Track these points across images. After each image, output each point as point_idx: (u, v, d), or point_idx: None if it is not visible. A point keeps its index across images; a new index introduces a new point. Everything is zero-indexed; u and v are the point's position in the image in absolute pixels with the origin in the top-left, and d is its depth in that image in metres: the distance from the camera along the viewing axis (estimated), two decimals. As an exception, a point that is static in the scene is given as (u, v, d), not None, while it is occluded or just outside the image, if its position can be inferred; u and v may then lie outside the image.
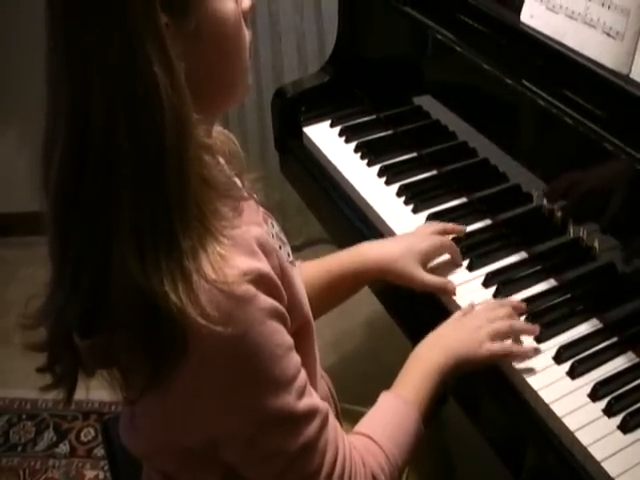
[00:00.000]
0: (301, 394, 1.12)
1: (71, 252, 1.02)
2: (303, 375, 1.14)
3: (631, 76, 1.42)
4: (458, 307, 1.54)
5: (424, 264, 1.58)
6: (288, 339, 1.12)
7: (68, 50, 0.97)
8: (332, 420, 1.19)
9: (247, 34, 1.12)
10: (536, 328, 1.45)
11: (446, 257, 1.63)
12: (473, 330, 1.41)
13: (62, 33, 0.97)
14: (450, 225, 1.68)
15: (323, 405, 1.17)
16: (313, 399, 1.15)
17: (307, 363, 1.22)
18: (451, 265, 1.63)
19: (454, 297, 1.56)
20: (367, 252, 1.59)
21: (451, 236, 1.66)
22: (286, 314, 1.12)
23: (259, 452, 1.12)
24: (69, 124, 0.99)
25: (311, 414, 1.13)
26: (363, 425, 1.29)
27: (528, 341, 1.44)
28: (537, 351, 1.42)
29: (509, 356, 1.41)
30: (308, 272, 1.54)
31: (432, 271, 1.59)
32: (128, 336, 1.01)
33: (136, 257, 0.98)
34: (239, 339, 1.03)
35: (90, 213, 0.99)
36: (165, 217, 0.99)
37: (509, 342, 1.42)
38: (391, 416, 1.30)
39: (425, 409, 1.32)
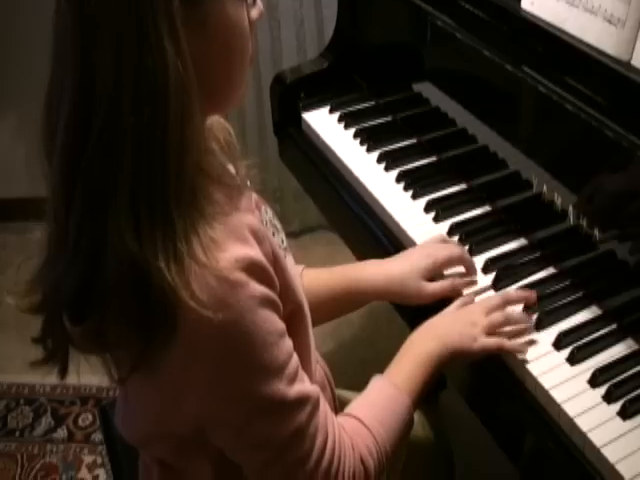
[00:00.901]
0: (292, 380, 1.12)
1: (75, 215, 1.02)
2: (295, 361, 1.14)
3: (632, 63, 1.42)
4: (457, 295, 1.54)
5: (429, 279, 1.54)
6: (280, 325, 1.12)
7: (80, 14, 0.97)
8: (323, 404, 1.19)
9: (251, 44, 1.12)
10: (532, 293, 1.46)
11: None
12: (468, 324, 1.41)
13: (75, 2, 0.97)
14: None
15: (314, 390, 1.17)
16: (304, 385, 1.15)
17: (301, 347, 1.22)
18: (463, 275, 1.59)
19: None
20: (369, 274, 1.55)
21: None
22: (278, 301, 1.12)
23: (249, 438, 1.12)
24: (75, 92, 0.99)
25: (302, 400, 1.13)
26: (354, 408, 1.29)
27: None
28: (532, 342, 1.42)
29: (502, 351, 1.41)
30: (311, 279, 1.53)
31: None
32: (119, 311, 1.01)
33: (132, 231, 0.98)
34: (230, 327, 1.03)
35: (91, 182, 1.00)
36: (162, 196, 0.99)
37: (505, 335, 1.42)
38: (382, 401, 1.30)
39: (416, 397, 1.33)
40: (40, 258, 1.09)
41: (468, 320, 1.42)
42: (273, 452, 1.13)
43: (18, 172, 3.14)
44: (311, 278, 1.54)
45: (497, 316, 1.42)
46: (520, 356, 1.40)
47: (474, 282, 1.56)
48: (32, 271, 1.11)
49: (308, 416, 1.14)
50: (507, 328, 1.43)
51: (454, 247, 1.59)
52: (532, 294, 1.47)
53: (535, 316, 1.45)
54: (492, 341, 1.40)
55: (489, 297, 1.50)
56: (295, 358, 1.15)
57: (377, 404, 1.30)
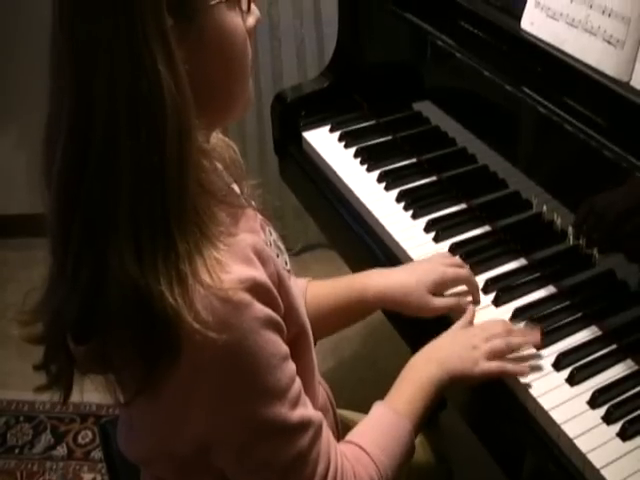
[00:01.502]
0: (295, 404, 1.11)
1: (73, 245, 1.02)
2: (297, 385, 1.14)
3: (631, 84, 1.42)
4: (458, 315, 1.54)
5: (434, 293, 1.53)
6: (284, 348, 1.11)
7: (74, 41, 0.97)
8: (325, 431, 1.18)
9: (250, 51, 1.12)
10: (536, 335, 1.43)
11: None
12: (469, 347, 1.40)
13: (69, 23, 0.97)
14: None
15: (317, 416, 1.17)
16: (307, 410, 1.15)
17: (305, 370, 1.22)
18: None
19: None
20: (375, 284, 1.54)
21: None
22: (282, 323, 1.11)
23: (250, 462, 1.12)
24: (71, 118, 0.99)
25: (304, 425, 1.13)
26: (355, 434, 1.29)
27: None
28: (535, 368, 1.41)
29: (503, 375, 1.40)
30: (316, 292, 1.54)
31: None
32: (123, 336, 1.01)
33: (133, 256, 0.98)
34: (233, 348, 1.03)
35: (90, 208, 1.00)
36: (163, 218, 0.99)
37: (504, 362, 1.41)
38: (383, 427, 1.30)
39: (417, 421, 1.32)
40: (43, 286, 1.09)
41: (469, 344, 1.41)
42: (274, 477, 1.12)
43: (19, 188, 3.14)
44: (317, 289, 1.54)
45: (498, 342, 1.41)
46: (521, 377, 1.39)
47: (478, 303, 1.56)
48: (35, 299, 1.10)
49: (310, 441, 1.13)
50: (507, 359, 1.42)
51: (462, 269, 1.58)
52: (537, 335, 1.43)
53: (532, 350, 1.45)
54: (493, 365, 1.39)
55: (492, 322, 1.48)
56: (298, 382, 1.14)
57: (378, 431, 1.29)
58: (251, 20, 1.12)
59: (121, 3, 0.95)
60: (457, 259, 1.63)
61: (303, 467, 1.13)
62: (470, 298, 1.56)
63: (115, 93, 0.96)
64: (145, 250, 0.98)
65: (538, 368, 1.41)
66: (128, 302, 0.99)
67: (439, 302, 1.53)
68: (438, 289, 1.54)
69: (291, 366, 1.13)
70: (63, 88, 1.00)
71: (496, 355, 1.40)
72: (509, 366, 1.40)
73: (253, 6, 1.13)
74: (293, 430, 1.11)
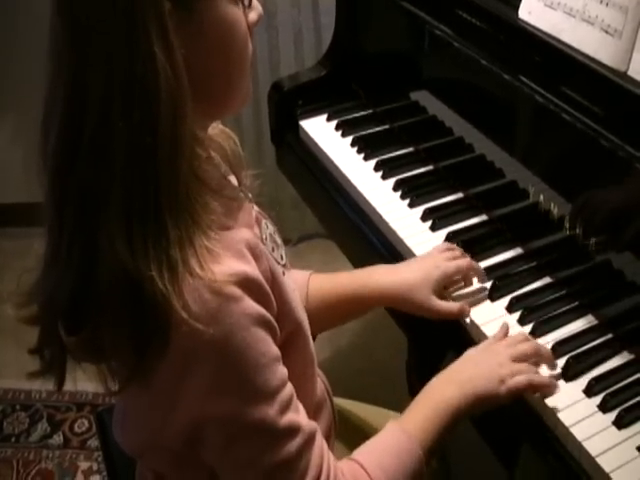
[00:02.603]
0: (284, 408, 1.09)
1: (67, 227, 1.02)
2: (289, 389, 1.12)
3: (629, 73, 1.42)
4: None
5: (438, 291, 1.52)
6: (274, 350, 1.10)
7: (71, 22, 0.97)
8: (319, 441, 1.15)
9: (250, 46, 1.12)
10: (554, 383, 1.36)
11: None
12: (494, 366, 1.33)
13: (66, 5, 0.98)
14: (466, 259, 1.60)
15: (309, 425, 1.14)
16: (298, 416, 1.13)
17: (303, 367, 1.21)
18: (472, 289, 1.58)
19: (453, 294, 1.56)
20: (380, 280, 1.53)
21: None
22: (274, 323, 1.10)
23: (234, 459, 1.10)
24: (67, 99, 0.99)
25: (292, 431, 1.10)
26: (360, 452, 1.23)
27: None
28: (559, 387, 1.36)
29: (532, 389, 1.34)
30: (319, 285, 1.52)
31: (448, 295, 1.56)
32: (114, 321, 1.01)
33: (124, 239, 0.98)
34: (221, 342, 1.02)
35: (83, 190, 1.00)
36: (155, 204, 0.98)
37: (531, 375, 1.34)
38: (389, 447, 1.23)
39: (430, 447, 1.24)
40: (38, 268, 1.09)
41: (494, 362, 1.34)
42: (258, 478, 1.10)
43: (16, 177, 3.14)
44: (319, 283, 1.53)
45: (523, 366, 1.34)
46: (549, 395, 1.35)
47: (484, 291, 1.56)
48: (30, 281, 1.10)
49: (298, 449, 1.10)
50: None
51: (462, 260, 1.57)
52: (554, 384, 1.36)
53: (531, 326, 1.46)
54: (521, 380, 1.31)
55: (520, 339, 1.41)
56: (289, 387, 1.12)
57: (383, 450, 1.23)
58: (253, 15, 1.12)
59: None
60: (456, 250, 1.61)
61: (289, 474, 1.10)
62: (475, 298, 1.54)
63: (111, 74, 0.96)
64: (136, 234, 0.98)
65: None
66: (118, 285, 0.99)
67: (442, 306, 1.51)
68: (442, 285, 1.53)
69: (282, 370, 1.11)
70: (59, 70, 1.00)
71: (523, 373, 1.33)
72: (537, 378, 1.34)
73: (255, 2, 1.13)
74: (280, 435, 1.09)
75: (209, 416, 1.07)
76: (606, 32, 1.46)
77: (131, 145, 0.97)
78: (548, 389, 1.34)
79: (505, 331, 1.43)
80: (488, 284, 1.56)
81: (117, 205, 0.98)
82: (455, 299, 1.55)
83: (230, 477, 1.14)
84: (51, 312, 1.08)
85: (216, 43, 1.06)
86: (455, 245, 1.63)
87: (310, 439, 1.13)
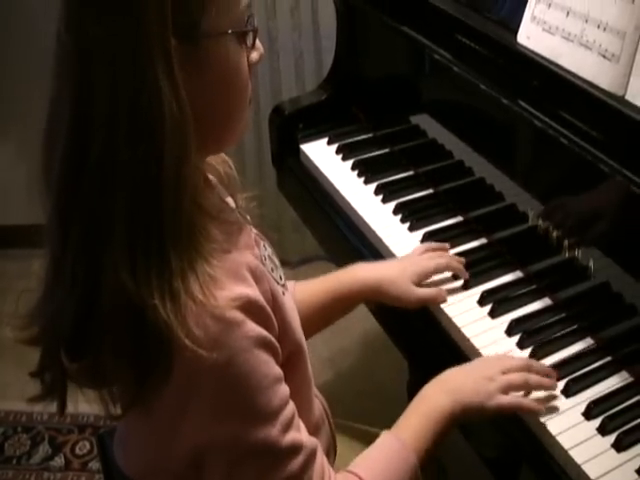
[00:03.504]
0: (286, 428, 1.10)
1: (70, 253, 1.02)
2: (290, 408, 1.13)
3: (626, 98, 1.43)
4: (454, 325, 1.55)
5: (418, 283, 1.59)
6: (276, 370, 1.10)
7: (78, 46, 0.98)
8: (320, 457, 1.16)
9: (250, 85, 1.13)
10: (554, 382, 1.39)
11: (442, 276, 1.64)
12: (485, 380, 1.34)
13: (75, 23, 0.98)
14: (447, 255, 1.69)
15: (310, 442, 1.15)
16: (300, 434, 1.14)
17: (301, 387, 1.22)
18: (449, 280, 1.64)
19: (451, 316, 1.57)
20: (361, 273, 1.59)
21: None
22: (276, 344, 1.11)
23: None
24: (71, 127, 1.00)
25: (295, 449, 1.11)
26: (357, 464, 1.25)
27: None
28: (551, 410, 1.37)
29: (519, 410, 1.36)
30: (303, 291, 1.55)
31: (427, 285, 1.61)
32: (115, 347, 1.01)
33: (127, 269, 0.98)
34: (223, 366, 1.02)
35: (87, 218, 1.00)
36: (158, 234, 0.99)
37: (521, 396, 1.36)
38: (385, 457, 1.26)
39: (424, 453, 1.27)
40: (39, 291, 1.09)
41: (485, 375, 1.35)
42: None
43: (17, 199, 3.14)
44: (304, 290, 1.56)
45: (516, 377, 1.36)
46: (539, 415, 1.36)
47: (459, 286, 1.63)
48: (31, 303, 1.11)
49: (301, 467, 1.11)
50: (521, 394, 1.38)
51: (441, 258, 1.64)
52: (554, 380, 1.39)
53: (530, 349, 1.46)
54: (508, 399, 1.34)
55: (510, 356, 1.45)
56: (291, 405, 1.13)
57: (380, 460, 1.25)
58: (255, 55, 1.13)
59: (128, 10, 0.96)
60: (437, 250, 1.68)
61: None
62: (453, 285, 1.62)
63: (116, 105, 0.97)
64: (139, 264, 0.98)
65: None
66: (121, 313, 0.99)
67: (421, 292, 1.58)
68: (421, 279, 1.60)
69: (284, 389, 1.12)
70: (64, 98, 1.01)
71: (512, 389, 1.35)
72: (525, 402, 1.36)
73: (258, 42, 1.13)
74: (283, 454, 1.10)
75: (212, 440, 1.07)
76: (604, 57, 1.47)
77: (135, 177, 0.98)
78: (536, 411, 1.36)
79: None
80: (488, 307, 1.57)
81: (121, 234, 0.98)
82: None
83: None
84: (53, 335, 1.08)
85: (218, 80, 1.07)
86: (434, 244, 1.71)
87: (312, 455, 1.14)
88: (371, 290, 1.58)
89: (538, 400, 1.36)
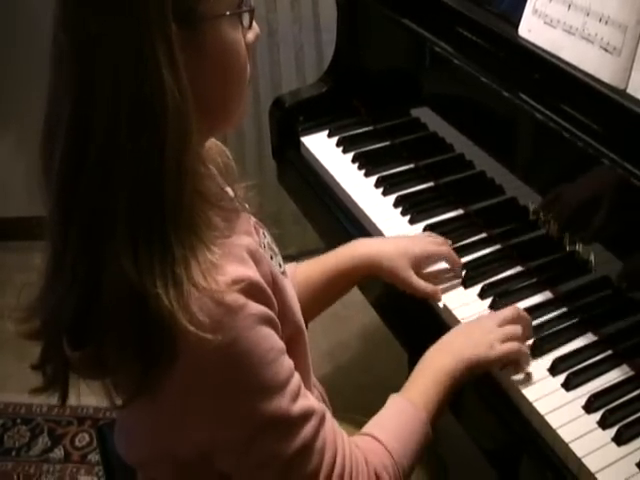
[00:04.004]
0: (295, 397, 1.12)
1: (71, 244, 1.03)
2: (297, 378, 1.15)
3: (628, 91, 1.43)
4: (454, 317, 1.55)
5: (416, 268, 1.60)
6: (279, 343, 1.12)
7: (77, 42, 0.98)
8: (329, 420, 1.19)
9: (248, 66, 1.13)
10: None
11: (443, 265, 1.65)
12: (483, 333, 1.41)
13: (73, 25, 0.99)
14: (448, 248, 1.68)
15: (319, 406, 1.17)
16: (308, 400, 1.16)
17: (299, 371, 1.22)
18: (448, 273, 1.65)
19: (451, 308, 1.57)
20: (362, 247, 1.62)
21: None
22: (277, 320, 1.12)
23: (255, 458, 1.12)
24: (72, 119, 1.00)
25: (307, 415, 1.13)
26: (369, 426, 1.29)
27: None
28: (531, 373, 1.42)
29: (520, 355, 1.41)
30: (304, 272, 1.57)
31: (426, 277, 1.61)
32: (119, 338, 1.02)
33: (130, 257, 0.99)
34: (228, 346, 1.03)
35: (89, 209, 1.01)
36: (160, 221, 1.00)
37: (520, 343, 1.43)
38: (398, 418, 1.30)
39: (434, 413, 1.33)
40: (39, 284, 1.09)
41: (483, 330, 1.42)
42: (281, 469, 1.13)
43: (17, 191, 3.15)
44: (305, 270, 1.58)
45: (510, 327, 1.43)
46: (516, 380, 1.40)
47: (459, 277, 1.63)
48: (32, 296, 1.11)
49: (314, 431, 1.14)
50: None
51: (443, 246, 1.65)
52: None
53: (531, 342, 1.46)
54: (509, 345, 1.40)
55: (501, 311, 1.50)
56: (297, 376, 1.15)
57: (392, 421, 1.30)
58: (251, 36, 1.13)
59: (127, 6, 0.96)
60: (439, 238, 1.68)
61: (309, 457, 1.13)
62: (446, 284, 1.62)
63: (118, 95, 0.97)
64: (142, 252, 0.99)
65: (534, 373, 1.41)
66: (124, 302, 1.00)
67: (418, 283, 1.58)
68: (420, 262, 1.61)
69: (289, 361, 1.14)
70: (64, 89, 1.01)
71: (510, 340, 1.41)
72: (524, 347, 1.42)
73: (254, 23, 1.14)
74: (296, 422, 1.12)
75: (224, 419, 1.08)
76: (605, 50, 1.47)
77: (137, 165, 0.98)
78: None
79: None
80: (488, 300, 1.57)
81: (123, 224, 0.99)
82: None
83: (252, 476, 1.16)
84: (54, 328, 1.08)
85: (217, 62, 1.07)
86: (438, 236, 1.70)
87: (322, 419, 1.16)
88: (369, 265, 1.59)
89: None
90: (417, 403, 1.32)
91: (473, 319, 1.51)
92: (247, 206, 1.25)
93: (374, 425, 1.30)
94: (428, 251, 1.62)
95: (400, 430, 1.28)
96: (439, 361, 1.38)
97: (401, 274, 1.57)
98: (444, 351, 1.41)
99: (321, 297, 1.58)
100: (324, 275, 1.58)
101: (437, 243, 1.66)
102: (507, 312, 1.47)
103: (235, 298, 1.03)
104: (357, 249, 1.61)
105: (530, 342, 1.45)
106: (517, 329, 1.43)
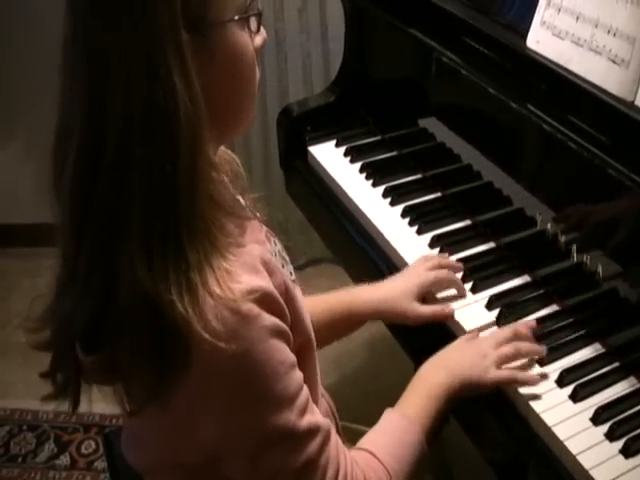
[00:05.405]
0: (303, 411, 1.13)
1: (85, 252, 1.03)
2: (305, 392, 1.15)
3: (636, 103, 1.43)
4: (461, 328, 1.55)
5: (421, 299, 1.60)
6: (291, 357, 1.12)
7: (89, 51, 0.99)
8: (334, 437, 1.19)
9: (257, 70, 1.14)
10: (542, 349, 1.45)
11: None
12: (479, 355, 1.42)
13: (84, 34, 0.99)
14: (445, 260, 1.70)
15: (325, 422, 1.18)
16: (315, 416, 1.16)
17: (309, 380, 1.23)
18: (453, 292, 1.64)
19: (458, 319, 1.57)
20: (364, 295, 1.61)
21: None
22: (289, 332, 1.13)
23: (261, 469, 1.12)
24: (84, 128, 1.00)
25: (313, 432, 1.14)
26: (366, 441, 1.30)
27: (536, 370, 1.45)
28: (543, 377, 1.42)
29: (514, 383, 1.41)
30: (311, 307, 1.54)
31: (431, 299, 1.61)
32: (133, 344, 1.02)
33: (145, 264, 0.99)
34: (241, 357, 1.04)
35: (102, 217, 1.01)
36: (174, 228, 1.00)
37: (515, 368, 1.43)
38: (394, 433, 1.31)
39: (428, 428, 1.33)
40: (50, 293, 1.10)
41: (478, 352, 1.43)
42: None
43: (23, 198, 3.16)
44: (309, 305, 1.55)
45: (507, 349, 1.43)
46: (523, 392, 1.40)
47: (463, 296, 1.62)
48: (42, 306, 1.11)
49: (319, 447, 1.14)
50: (516, 363, 1.44)
51: (441, 270, 1.64)
52: (542, 350, 1.46)
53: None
54: (504, 373, 1.41)
55: (499, 330, 1.51)
56: (305, 389, 1.15)
57: (389, 437, 1.31)
58: (258, 40, 1.14)
59: (138, 14, 0.97)
60: (438, 259, 1.68)
61: (313, 473, 1.14)
62: (451, 306, 1.60)
63: (131, 103, 0.98)
64: (156, 259, 0.99)
65: (541, 384, 1.41)
66: (139, 309, 1.00)
67: (424, 309, 1.59)
68: (422, 292, 1.60)
69: (299, 374, 1.14)
70: (75, 99, 1.01)
71: (505, 362, 1.42)
72: (520, 374, 1.42)
73: (261, 27, 1.14)
74: (302, 437, 1.12)
75: (233, 429, 1.09)
76: (613, 62, 1.47)
77: (151, 173, 0.99)
78: (530, 382, 1.41)
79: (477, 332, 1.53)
80: (495, 311, 1.57)
81: (137, 231, 0.99)
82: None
83: None
84: (66, 335, 1.09)
85: (227, 68, 1.08)
86: (437, 254, 1.72)
87: (327, 436, 1.17)
88: (371, 312, 1.60)
89: (532, 374, 1.43)
90: (412, 418, 1.33)
91: (469, 337, 1.51)
92: (258, 214, 1.25)
93: (371, 441, 1.30)
94: (427, 281, 1.61)
95: (396, 447, 1.29)
96: (433, 376, 1.40)
97: (404, 313, 1.58)
98: (439, 366, 1.42)
99: (324, 333, 1.53)
100: (329, 314, 1.58)
101: (437, 267, 1.65)
102: (504, 333, 1.47)
103: (249, 308, 1.04)
104: (359, 295, 1.62)
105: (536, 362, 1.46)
106: (514, 349, 1.43)
